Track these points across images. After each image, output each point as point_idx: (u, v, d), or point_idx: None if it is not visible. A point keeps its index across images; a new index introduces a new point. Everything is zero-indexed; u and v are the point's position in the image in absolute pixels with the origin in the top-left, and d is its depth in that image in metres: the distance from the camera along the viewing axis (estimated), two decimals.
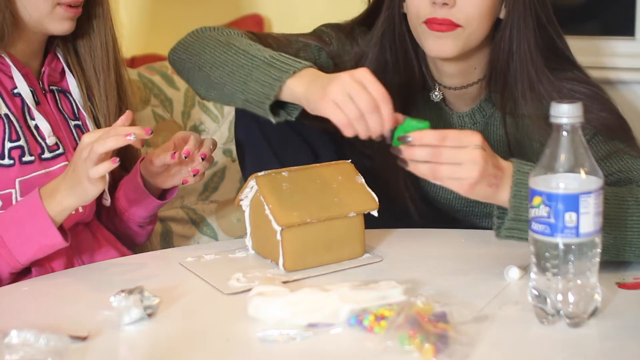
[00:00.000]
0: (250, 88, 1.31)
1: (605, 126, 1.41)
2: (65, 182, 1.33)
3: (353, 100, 1.22)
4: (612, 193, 1.25)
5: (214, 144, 1.48)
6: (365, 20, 1.58)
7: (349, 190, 1.38)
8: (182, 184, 1.49)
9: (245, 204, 1.40)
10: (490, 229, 1.29)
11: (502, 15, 1.46)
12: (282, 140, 1.54)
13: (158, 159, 1.47)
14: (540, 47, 1.44)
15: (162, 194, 1.58)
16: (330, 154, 1.56)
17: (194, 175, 1.45)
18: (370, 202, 1.38)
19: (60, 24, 1.45)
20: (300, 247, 1.33)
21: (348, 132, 1.24)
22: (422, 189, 1.62)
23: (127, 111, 1.36)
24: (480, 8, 1.41)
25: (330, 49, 1.57)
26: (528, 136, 1.47)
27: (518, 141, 1.49)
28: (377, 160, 1.58)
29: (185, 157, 1.44)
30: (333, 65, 1.56)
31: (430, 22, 1.42)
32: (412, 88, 1.55)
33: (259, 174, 1.37)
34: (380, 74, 1.31)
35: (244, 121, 1.56)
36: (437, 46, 1.42)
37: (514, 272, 1.27)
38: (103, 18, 1.54)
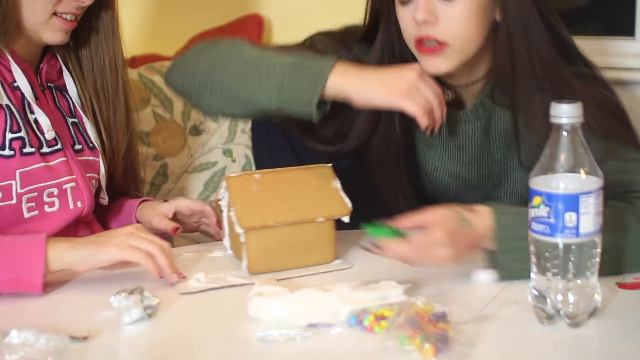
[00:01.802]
0: (286, 93, 1.35)
1: (608, 133, 1.39)
2: (84, 239, 1.33)
3: (422, 94, 1.35)
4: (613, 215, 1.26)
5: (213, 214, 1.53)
6: (362, 38, 1.56)
7: (321, 194, 1.37)
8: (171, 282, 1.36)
9: (223, 204, 1.41)
10: None
11: (498, 17, 1.43)
12: (275, 146, 1.56)
13: (159, 224, 1.51)
14: (545, 41, 1.42)
15: None
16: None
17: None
18: (341, 207, 1.36)
19: (54, 34, 1.45)
20: (264, 250, 1.33)
21: (425, 121, 1.35)
22: (419, 189, 1.63)
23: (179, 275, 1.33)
24: (464, 27, 1.39)
25: None
26: (531, 131, 1.46)
27: (523, 137, 1.49)
28: (372, 161, 1.58)
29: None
30: None
31: (418, 44, 1.42)
32: None
33: (231, 175, 1.38)
34: None
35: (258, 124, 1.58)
36: (430, 66, 1.42)
37: (483, 276, 1.27)
38: (112, 35, 1.54)
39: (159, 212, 1.55)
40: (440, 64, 1.42)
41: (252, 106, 1.39)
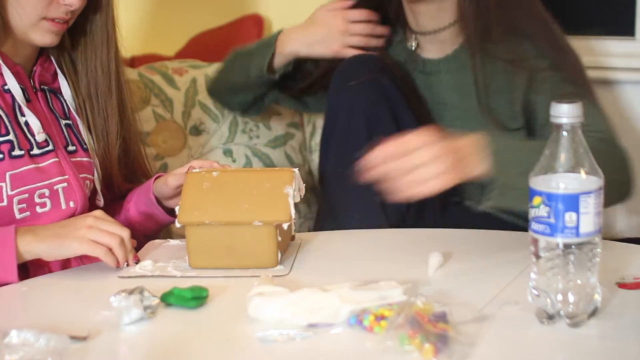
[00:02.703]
0: (253, 63, 1.78)
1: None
2: (49, 229, 1.35)
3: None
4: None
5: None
6: None
7: (267, 199, 1.34)
8: None
9: None
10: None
11: None
12: (375, 115, 1.61)
13: (172, 182, 1.48)
14: None
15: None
16: None
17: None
18: (283, 214, 1.32)
19: (43, 37, 1.45)
20: (202, 247, 1.33)
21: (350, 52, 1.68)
22: None
23: (134, 241, 1.38)
24: None
25: None
26: (495, 81, 1.51)
27: (486, 86, 1.53)
28: None
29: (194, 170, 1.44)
30: None
31: None
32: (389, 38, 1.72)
33: (194, 170, 1.42)
34: None
35: (350, 92, 1.63)
36: None
37: (433, 259, 1.30)
38: (107, 40, 1.54)
39: (173, 173, 1.52)
40: None
41: (241, 88, 1.85)
